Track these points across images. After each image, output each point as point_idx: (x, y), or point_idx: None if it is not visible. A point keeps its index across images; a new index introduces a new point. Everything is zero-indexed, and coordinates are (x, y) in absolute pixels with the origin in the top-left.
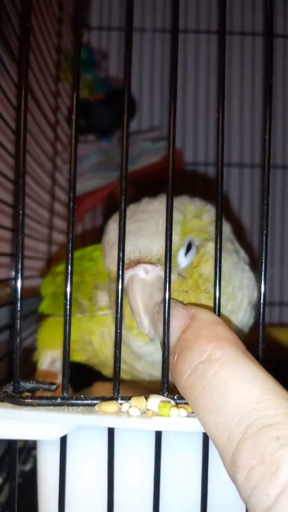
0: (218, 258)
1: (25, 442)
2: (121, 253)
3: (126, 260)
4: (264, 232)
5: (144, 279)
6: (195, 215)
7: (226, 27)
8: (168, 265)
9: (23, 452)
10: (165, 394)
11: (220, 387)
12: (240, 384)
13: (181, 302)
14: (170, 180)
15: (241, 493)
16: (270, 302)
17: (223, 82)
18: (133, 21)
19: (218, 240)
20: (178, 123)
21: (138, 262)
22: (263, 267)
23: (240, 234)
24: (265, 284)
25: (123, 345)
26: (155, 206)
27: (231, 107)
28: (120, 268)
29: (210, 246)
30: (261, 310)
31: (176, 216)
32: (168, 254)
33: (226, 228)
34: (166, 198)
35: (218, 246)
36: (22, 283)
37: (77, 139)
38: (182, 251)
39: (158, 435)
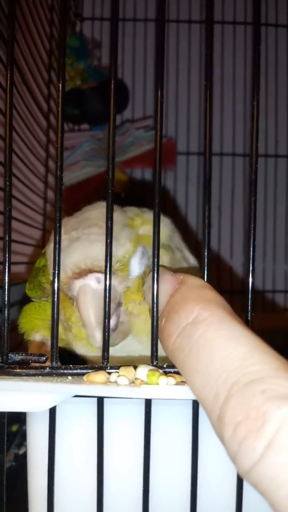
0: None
1: (20, 426)
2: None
3: (76, 269)
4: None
5: (96, 289)
6: (144, 224)
7: (221, 17)
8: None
9: (17, 436)
10: (154, 363)
11: (206, 347)
12: (227, 343)
13: (170, 268)
14: (158, 172)
15: (228, 450)
16: (264, 290)
17: (211, 72)
18: (126, 11)
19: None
20: (171, 112)
21: (89, 271)
22: (251, 236)
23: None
24: (253, 253)
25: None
26: (100, 213)
27: (223, 96)
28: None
29: (164, 258)
30: (250, 279)
31: (125, 221)
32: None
33: (175, 239)
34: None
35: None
36: (9, 250)
37: (63, 123)
38: (135, 259)
39: (148, 404)
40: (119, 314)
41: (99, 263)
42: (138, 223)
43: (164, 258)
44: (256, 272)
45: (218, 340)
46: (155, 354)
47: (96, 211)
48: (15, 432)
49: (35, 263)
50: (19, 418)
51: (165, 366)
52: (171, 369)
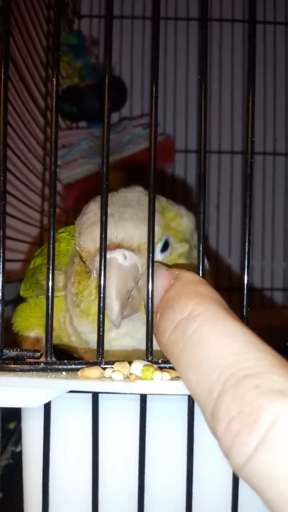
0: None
1: (17, 424)
2: (103, 237)
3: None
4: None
5: (122, 265)
6: (174, 216)
7: (219, 15)
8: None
9: (14, 434)
10: (149, 359)
11: (201, 342)
12: (221, 338)
13: (166, 265)
14: (152, 169)
15: (221, 446)
16: (262, 288)
17: (206, 68)
18: (124, 9)
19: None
20: (169, 110)
21: (118, 246)
22: (247, 225)
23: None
24: (249, 246)
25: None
26: (136, 196)
27: (222, 94)
28: (103, 254)
29: (182, 251)
30: (246, 273)
31: (157, 207)
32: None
33: (195, 238)
34: (148, 188)
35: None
36: (3, 245)
37: (57, 119)
38: (159, 245)
39: (143, 400)
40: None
41: (129, 240)
42: (170, 215)
43: (180, 250)
44: (255, 270)
45: (212, 335)
46: (150, 349)
47: (132, 193)
48: (13, 430)
49: (30, 263)
50: (16, 416)
51: (160, 361)
52: (166, 365)
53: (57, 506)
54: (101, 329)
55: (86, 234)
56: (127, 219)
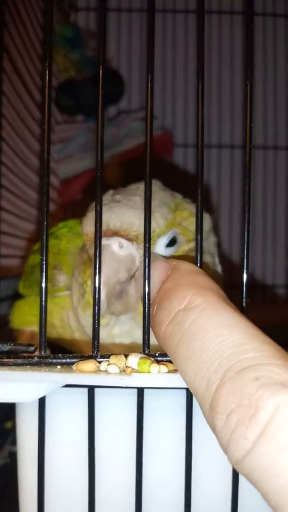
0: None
1: (14, 423)
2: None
3: (103, 228)
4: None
5: (115, 253)
6: (188, 215)
7: (217, 7)
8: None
9: (11, 433)
10: (146, 352)
11: (198, 334)
12: (220, 330)
13: (163, 256)
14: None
15: (220, 440)
16: (264, 285)
17: (202, 62)
18: (122, 1)
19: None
20: (168, 104)
21: (115, 233)
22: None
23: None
24: (248, 231)
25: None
26: (153, 188)
27: (221, 88)
28: (97, 243)
29: (189, 249)
30: (245, 266)
31: (169, 202)
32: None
33: (210, 241)
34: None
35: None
36: None
37: (50, 112)
38: (163, 240)
39: (140, 393)
40: (126, 285)
41: (126, 228)
42: (184, 214)
43: (188, 249)
44: (256, 266)
45: (211, 327)
46: (147, 342)
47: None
48: (10, 429)
49: (28, 259)
50: (13, 415)
51: (157, 354)
52: (163, 358)
53: (53, 502)
54: (96, 322)
55: (87, 218)
56: (130, 207)
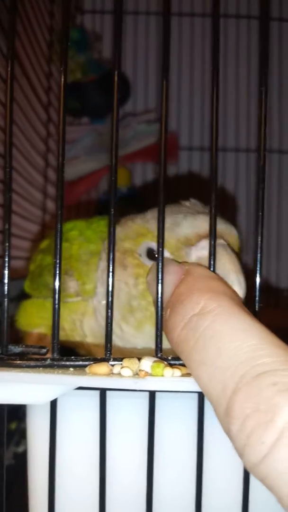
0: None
1: (18, 424)
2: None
3: (203, 231)
4: (260, 214)
5: (229, 249)
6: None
7: (221, 10)
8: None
9: (16, 434)
10: (159, 355)
11: (213, 339)
12: (235, 335)
13: (176, 261)
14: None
15: (235, 444)
16: (267, 288)
17: (217, 67)
18: (127, 4)
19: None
20: (173, 106)
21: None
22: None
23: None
24: (261, 241)
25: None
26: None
27: (226, 91)
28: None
29: None
30: (257, 273)
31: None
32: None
33: None
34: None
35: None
36: (9, 234)
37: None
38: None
39: (152, 397)
40: None
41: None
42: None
43: None
44: (270, 270)
45: (226, 332)
46: (160, 346)
47: (196, 205)
48: (14, 430)
49: (35, 258)
50: (17, 415)
51: (170, 358)
52: (176, 361)
53: (63, 504)
54: (109, 324)
55: (187, 223)
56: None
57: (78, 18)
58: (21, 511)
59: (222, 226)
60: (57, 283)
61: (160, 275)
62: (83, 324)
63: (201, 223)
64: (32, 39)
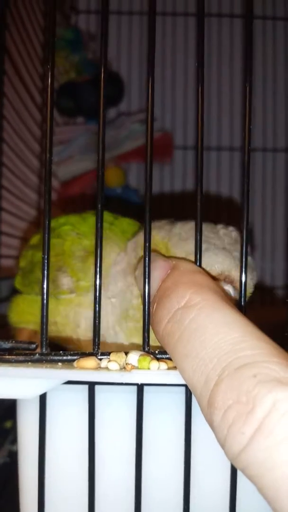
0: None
1: (14, 423)
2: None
3: (225, 272)
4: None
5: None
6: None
7: (217, 10)
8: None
9: (11, 432)
10: (146, 349)
11: (197, 331)
12: (218, 328)
13: (163, 255)
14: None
15: (217, 435)
16: (262, 288)
17: (203, 65)
18: (122, 4)
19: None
20: (168, 106)
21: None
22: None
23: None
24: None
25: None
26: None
27: (221, 91)
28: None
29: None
30: (243, 268)
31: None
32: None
33: None
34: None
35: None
36: None
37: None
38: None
39: (140, 391)
40: None
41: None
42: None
43: None
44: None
45: (209, 325)
46: (147, 340)
47: (234, 232)
48: (9, 429)
49: (25, 253)
50: (13, 414)
51: (157, 352)
52: (163, 355)
53: (53, 499)
54: (96, 320)
55: (205, 258)
56: (234, 257)
57: (72, 18)
58: (16, 508)
59: (232, 265)
60: (45, 280)
61: (147, 270)
62: (78, 314)
63: (221, 260)
64: (26, 39)
